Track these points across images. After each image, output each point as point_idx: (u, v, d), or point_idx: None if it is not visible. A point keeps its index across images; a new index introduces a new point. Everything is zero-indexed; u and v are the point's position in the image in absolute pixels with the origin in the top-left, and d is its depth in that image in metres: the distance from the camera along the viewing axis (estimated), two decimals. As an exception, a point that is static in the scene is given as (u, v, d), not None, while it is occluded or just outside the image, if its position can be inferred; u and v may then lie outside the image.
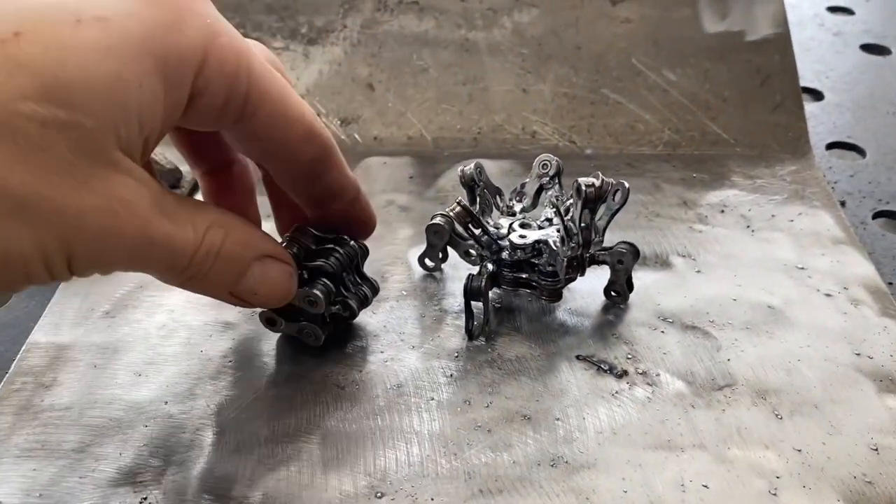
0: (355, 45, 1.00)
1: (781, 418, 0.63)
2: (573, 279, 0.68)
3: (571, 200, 0.64)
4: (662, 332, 0.71)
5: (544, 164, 0.70)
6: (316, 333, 0.66)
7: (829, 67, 1.13)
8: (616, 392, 0.65)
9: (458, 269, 0.77)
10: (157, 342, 0.69)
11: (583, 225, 0.61)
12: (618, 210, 0.62)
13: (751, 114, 0.97)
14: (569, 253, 0.62)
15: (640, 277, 0.75)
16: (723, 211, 0.85)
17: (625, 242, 0.70)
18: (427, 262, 0.76)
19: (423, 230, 0.80)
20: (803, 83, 1.09)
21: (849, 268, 0.78)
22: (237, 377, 0.66)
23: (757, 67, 0.99)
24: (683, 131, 0.95)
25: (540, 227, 0.69)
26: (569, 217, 0.63)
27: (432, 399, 0.64)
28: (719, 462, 0.59)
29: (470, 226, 0.69)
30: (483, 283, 0.67)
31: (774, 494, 0.57)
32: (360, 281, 0.66)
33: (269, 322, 0.67)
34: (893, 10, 1.30)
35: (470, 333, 0.69)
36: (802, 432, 0.62)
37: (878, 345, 0.70)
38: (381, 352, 0.68)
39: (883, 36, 1.21)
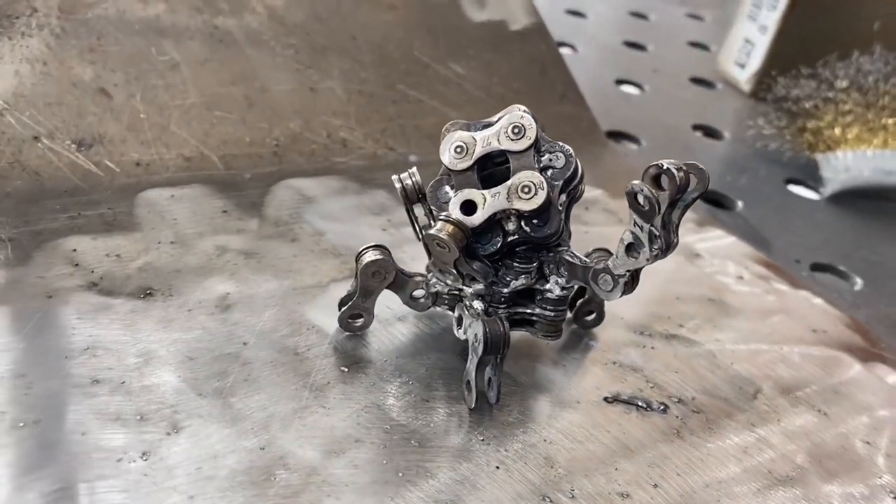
0: (60, 37, 0.68)
1: (826, 413, 0.56)
2: (628, 292, 0.51)
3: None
4: (652, 348, 0.59)
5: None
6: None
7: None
8: (677, 431, 0.52)
9: (382, 322, 0.55)
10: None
11: (664, 222, 0.46)
12: (695, 200, 0.48)
13: (544, 105, 0.89)
14: (646, 262, 0.47)
15: (579, 291, 0.62)
16: (587, 208, 0.76)
17: (600, 249, 0.56)
18: (352, 321, 0.53)
19: (297, 278, 0.57)
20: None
21: (733, 249, 0.75)
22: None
23: (531, 57, 0.92)
24: (494, 128, 0.84)
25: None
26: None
27: (503, 509, 0.43)
28: (826, 482, 0.50)
29: (461, 254, 0.48)
30: (506, 328, 0.48)
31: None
32: None
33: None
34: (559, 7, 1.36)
35: (476, 399, 0.49)
36: (851, 420, 0.56)
37: (818, 317, 0.67)
38: (385, 461, 0.44)
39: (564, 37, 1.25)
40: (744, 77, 1.16)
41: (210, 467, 0.42)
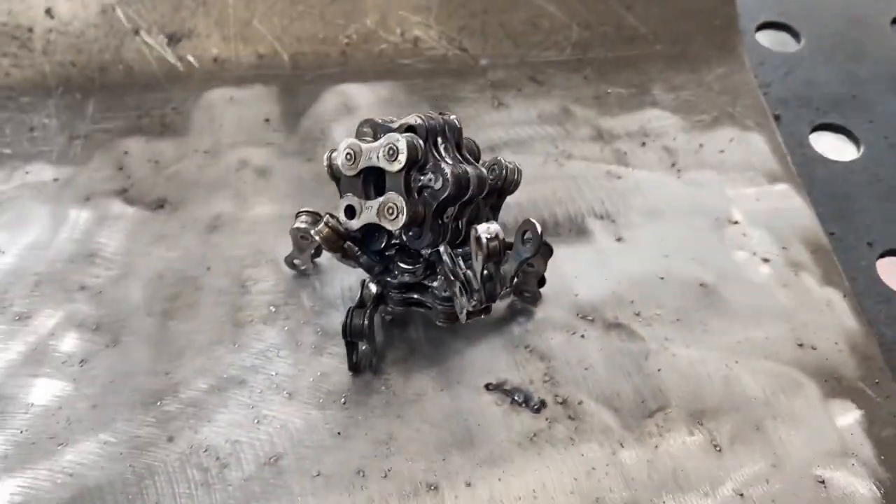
0: (175, -75, 0.77)
1: (721, 450, 0.55)
2: (475, 317, 0.55)
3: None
4: (582, 336, 0.60)
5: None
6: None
7: None
8: (534, 435, 0.55)
9: (336, 269, 0.63)
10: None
11: (485, 273, 0.48)
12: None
13: (672, -2, 0.80)
14: (469, 308, 0.49)
15: (554, 252, 0.63)
16: (644, 143, 0.72)
17: (533, 235, 0.55)
18: (296, 262, 0.62)
19: (287, 205, 0.66)
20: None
21: (787, 217, 0.68)
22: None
23: (678, -68, 0.81)
24: (595, 26, 0.79)
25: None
26: (468, 265, 0.49)
27: (318, 474, 0.53)
28: (655, 525, 0.52)
29: (346, 247, 0.54)
30: (366, 322, 0.54)
31: (717, 560, 0.51)
32: None
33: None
34: None
35: (355, 367, 0.57)
36: (745, 466, 0.54)
37: (822, 328, 0.61)
38: (251, 406, 0.56)
39: None
40: None
41: (121, 382, 0.56)
